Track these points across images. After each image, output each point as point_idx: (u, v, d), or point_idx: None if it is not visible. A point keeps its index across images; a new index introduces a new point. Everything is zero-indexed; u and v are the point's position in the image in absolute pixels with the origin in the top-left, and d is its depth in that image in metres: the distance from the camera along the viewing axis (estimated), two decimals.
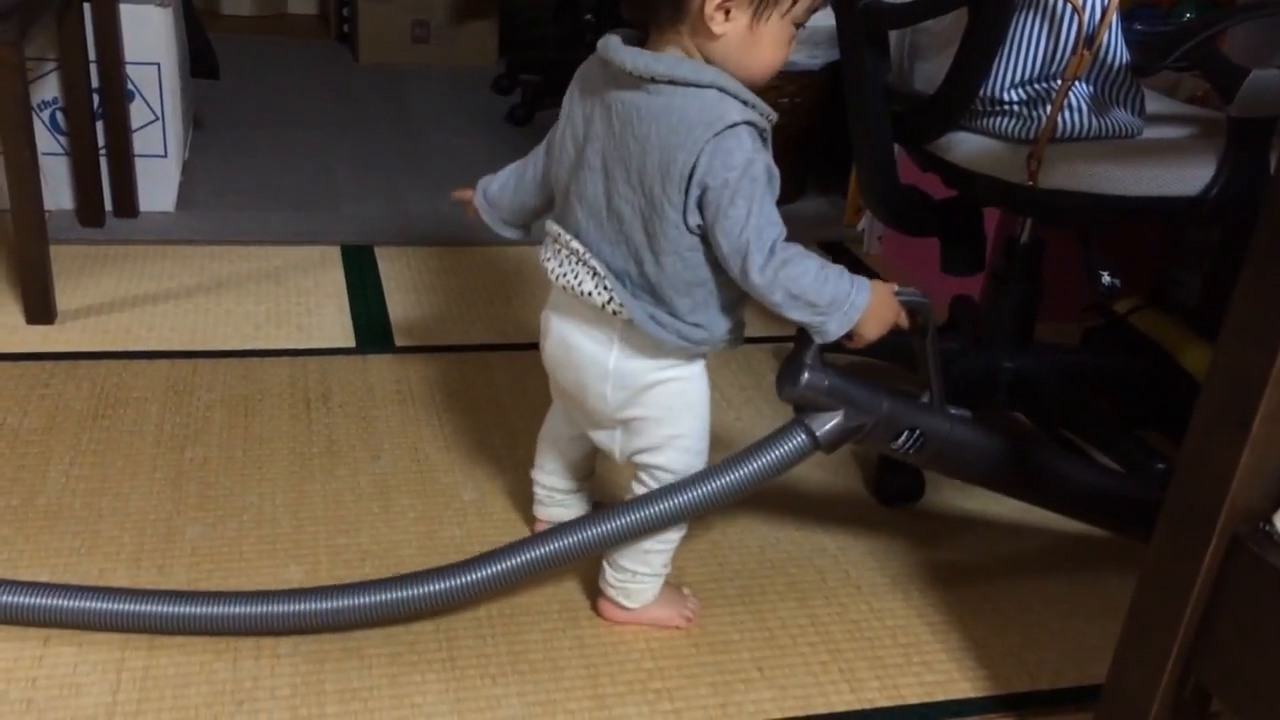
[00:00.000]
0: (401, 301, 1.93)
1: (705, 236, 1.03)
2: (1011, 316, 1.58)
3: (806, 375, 1.08)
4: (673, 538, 1.17)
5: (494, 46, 3.51)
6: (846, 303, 1.03)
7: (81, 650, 1.11)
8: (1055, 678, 1.21)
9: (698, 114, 0.99)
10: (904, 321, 1.11)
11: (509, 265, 2.09)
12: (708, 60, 1.02)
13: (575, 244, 1.09)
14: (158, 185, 2.15)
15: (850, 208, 2.42)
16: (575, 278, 1.09)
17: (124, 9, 2.00)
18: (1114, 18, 1.27)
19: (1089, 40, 1.28)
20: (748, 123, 1.01)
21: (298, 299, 1.90)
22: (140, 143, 2.10)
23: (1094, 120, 1.31)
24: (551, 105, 3.03)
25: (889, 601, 1.30)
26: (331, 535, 1.32)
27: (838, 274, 1.04)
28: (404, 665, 1.13)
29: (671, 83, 1.00)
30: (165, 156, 2.14)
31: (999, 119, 1.35)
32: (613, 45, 1.03)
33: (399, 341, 1.80)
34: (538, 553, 1.13)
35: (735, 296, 1.08)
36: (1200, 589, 0.90)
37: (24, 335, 1.69)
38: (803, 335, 1.08)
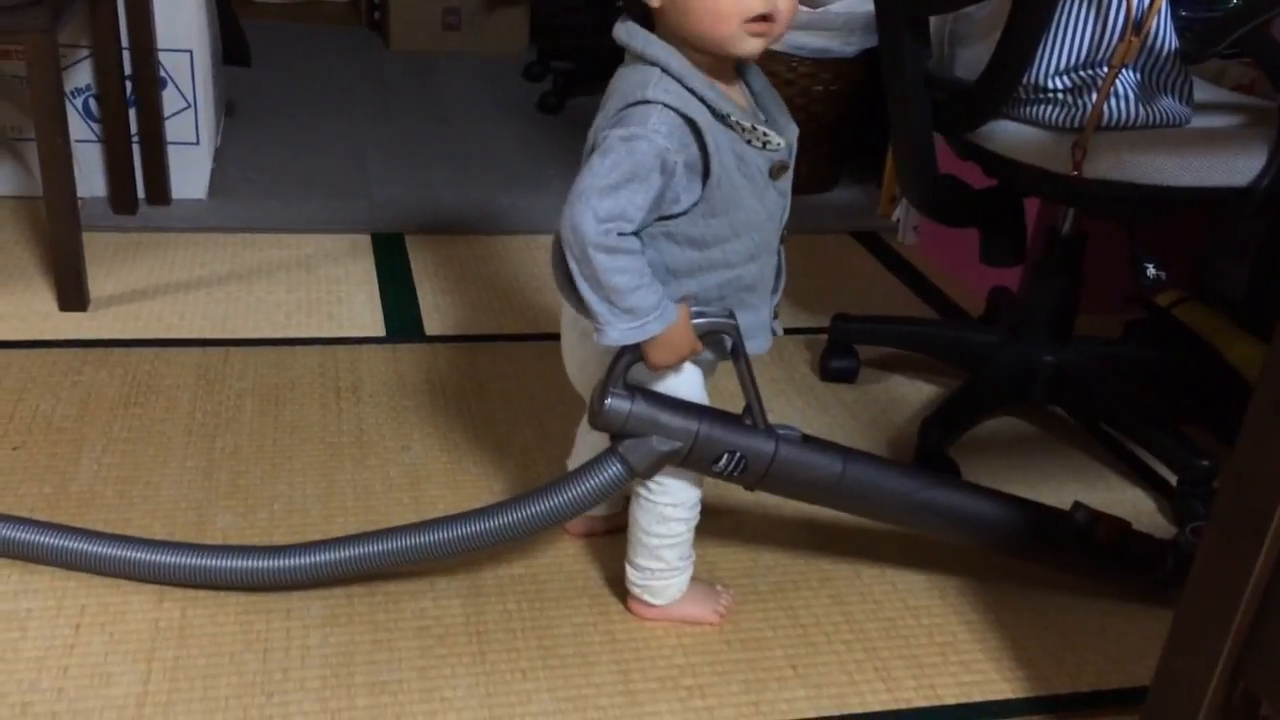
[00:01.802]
0: (432, 290, 1.92)
1: None
2: (1052, 309, 1.55)
3: (609, 402, 1.05)
4: (680, 531, 1.15)
5: (525, 34, 3.49)
6: (641, 319, 1.00)
7: (112, 640, 1.11)
8: (1097, 679, 1.18)
9: (628, 84, 0.99)
10: (698, 347, 1.07)
11: (540, 254, 2.08)
12: (671, 36, 0.99)
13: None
14: (190, 172, 2.15)
15: (885, 198, 2.39)
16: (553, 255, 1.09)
17: None
18: (1163, 3, 1.24)
19: (1137, 26, 1.24)
20: (666, 104, 0.97)
21: (328, 287, 1.89)
22: (172, 130, 2.10)
23: (1141, 109, 1.28)
24: (583, 93, 3.03)
25: (925, 599, 1.28)
26: (361, 525, 1.31)
27: (652, 290, 1.00)
28: (434, 659, 1.13)
29: (631, 53, 1.00)
30: (197, 144, 2.14)
31: (1043, 107, 1.32)
32: (621, 17, 1.03)
33: (429, 331, 1.79)
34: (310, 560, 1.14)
35: (675, 262, 1.05)
36: (1251, 593, 0.87)
37: (57, 322, 1.69)
38: (615, 358, 1.05)
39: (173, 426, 1.46)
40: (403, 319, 1.82)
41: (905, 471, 1.23)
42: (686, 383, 1.11)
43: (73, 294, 1.71)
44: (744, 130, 1.02)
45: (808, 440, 1.13)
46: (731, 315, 1.06)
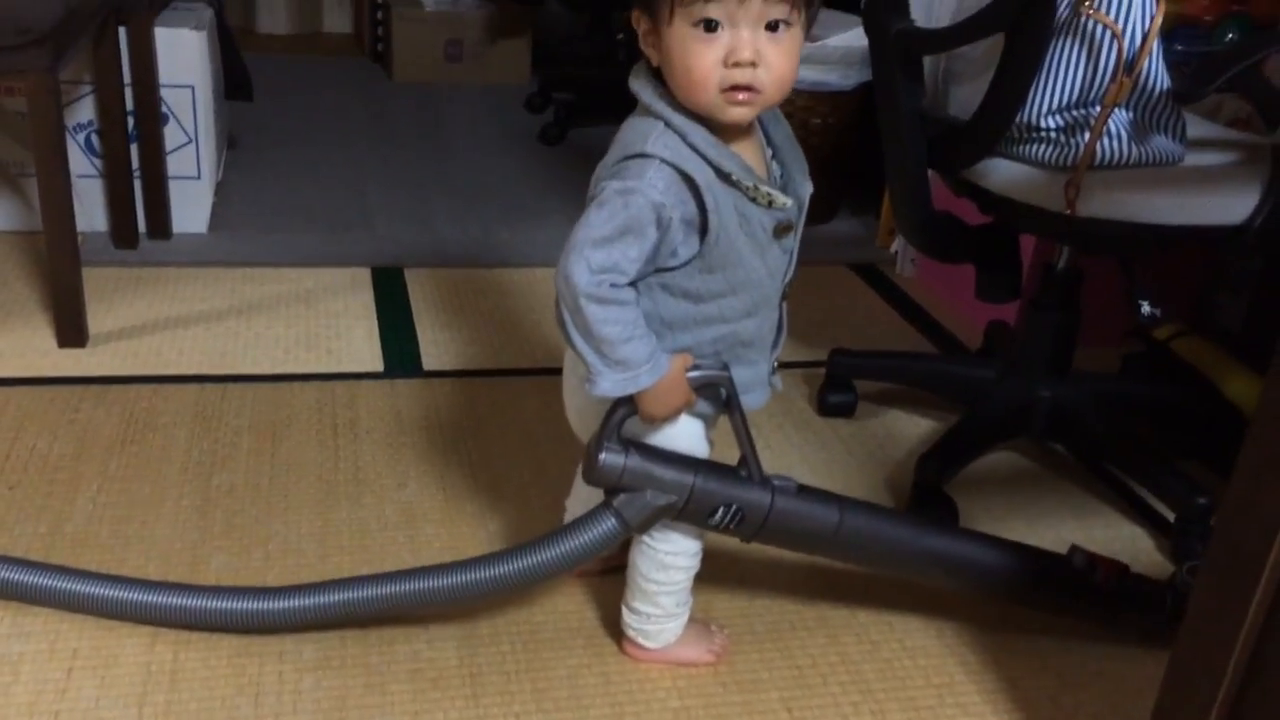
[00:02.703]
0: (431, 324, 1.92)
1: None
2: (1048, 344, 1.55)
3: (603, 457, 1.05)
4: (679, 580, 1.15)
5: (527, 65, 3.52)
6: (632, 370, 1.00)
7: (104, 684, 1.11)
8: None
9: (629, 136, 1.00)
10: (692, 401, 1.06)
11: (540, 288, 2.08)
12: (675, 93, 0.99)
13: None
14: (191, 207, 2.16)
15: (883, 229, 2.39)
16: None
17: (159, 32, 2.02)
18: (1154, 44, 1.24)
19: (1129, 66, 1.25)
20: (664, 160, 0.97)
21: (327, 322, 1.90)
22: (174, 165, 2.11)
23: (1134, 148, 1.28)
24: (584, 124, 3.05)
25: (922, 640, 1.27)
26: (357, 565, 1.31)
27: (644, 342, 1.00)
28: (427, 702, 1.12)
29: (639, 105, 1.01)
30: (199, 178, 2.16)
31: (1036, 146, 1.32)
32: (637, 65, 1.03)
33: (427, 366, 1.79)
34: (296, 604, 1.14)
35: (668, 314, 1.04)
36: (1246, 637, 0.86)
37: (56, 359, 1.70)
38: (610, 411, 1.05)
39: (169, 465, 1.46)
40: (401, 354, 1.82)
41: (903, 520, 1.23)
42: (686, 434, 1.10)
43: (72, 330, 1.72)
44: (747, 189, 1.00)
45: (804, 490, 1.13)
46: (725, 367, 1.06)
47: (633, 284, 1.00)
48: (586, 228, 0.97)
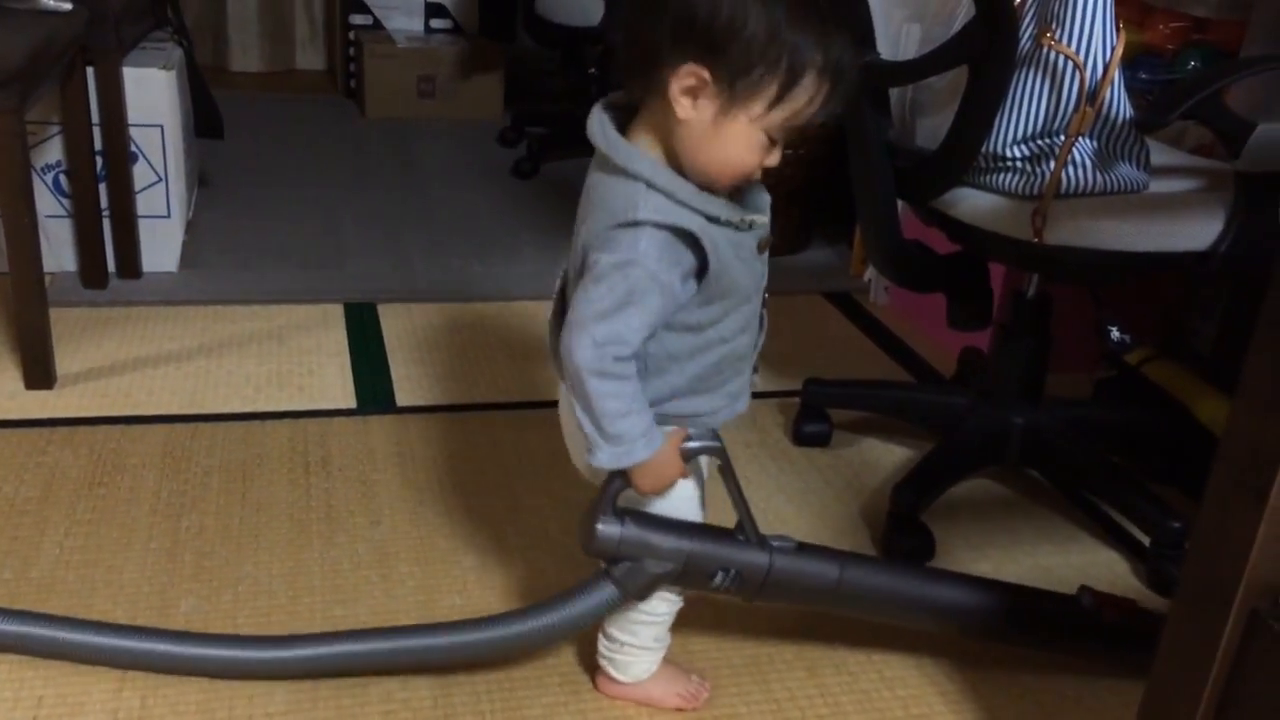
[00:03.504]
0: (404, 360, 1.91)
1: None
2: (1020, 371, 1.56)
3: (600, 528, 1.06)
4: (662, 611, 1.14)
5: (499, 100, 3.53)
6: (626, 444, 1.00)
7: None
8: None
9: (611, 199, 0.98)
10: (685, 474, 1.07)
11: (514, 322, 2.08)
12: (671, 143, 0.98)
13: (556, 302, 1.11)
14: (161, 246, 2.14)
15: (856, 258, 2.40)
16: (549, 335, 1.10)
17: (127, 72, 2.01)
18: (1116, 73, 1.26)
19: (1091, 96, 1.26)
20: (656, 224, 0.96)
21: (299, 359, 1.88)
22: (143, 204, 2.10)
23: (1098, 176, 1.30)
24: (557, 158, 3.06)
25: (901, 670, 1.26)
26: (329, 606, 1.29)
27: (640, 417, 1.01)
28: None
29: (610, 164, 0.98)
30: (169, 217, 2.15)
31: (1002, 175, 1.33)
32: (594, 111, 1.01)
33: (400, 401, 1.78)
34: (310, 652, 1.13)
35: (652, 372, 1.04)
36: (1219, 666, 0.86)
37: (23, 401, 1.68)
38: (606, 483, 1.07)
39: (137, 507, 1.44)
40: (374, 390, 1.81)
41: (904, 570, 1.23)
42: (682, 498, 1.10)
43: (39, 372, 1.70)
44: (737, 227, 1.00)
45: (802, 548, 1.13)
46: (717, 438, 1.07)
47: (633, 357, 1.00)
48: (587, 303, 0.97)
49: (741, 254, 1.02)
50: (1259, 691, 0.84)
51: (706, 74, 0.93)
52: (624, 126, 1.00)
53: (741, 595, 1.13)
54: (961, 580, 1.25)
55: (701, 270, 0.99)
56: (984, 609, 1.21)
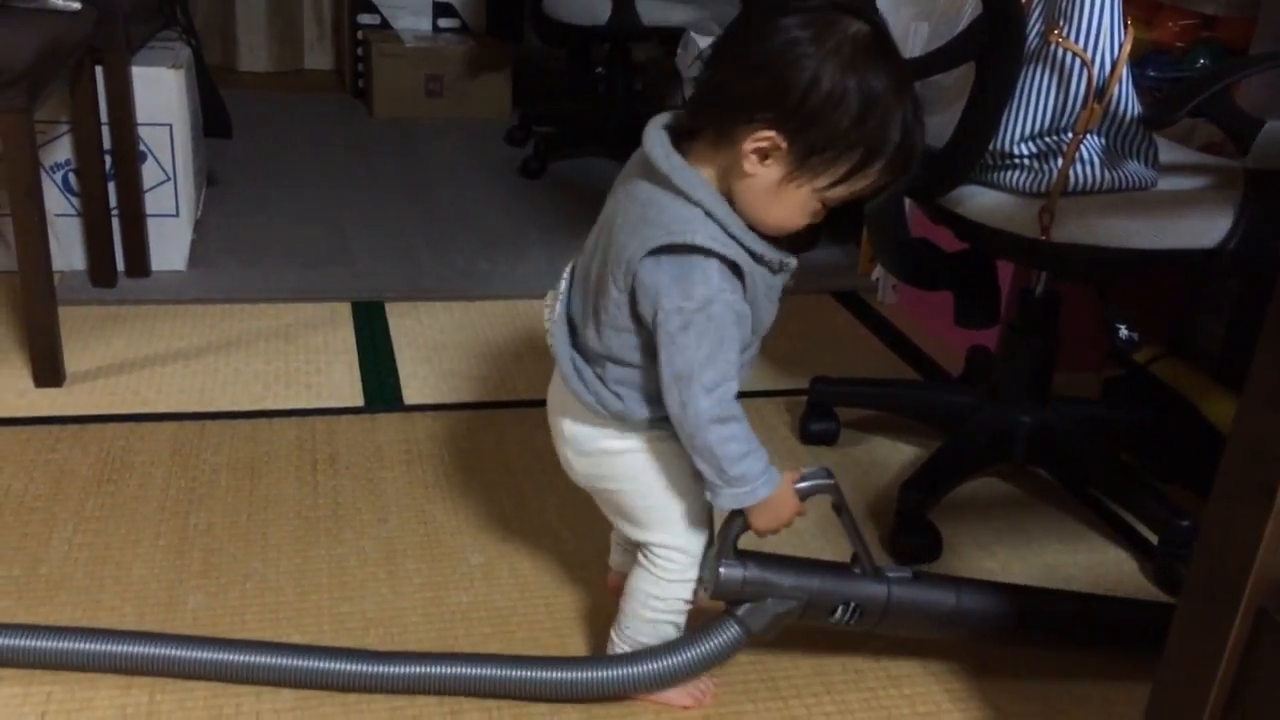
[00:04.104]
0: (411, 358, 1.91)
1: (640, 324, 1.02)
2: (1028, 370, 1.55)
3: (723, 572, 1.09)
4: (680, 610, 1.14)
5: (507, 99, 3.53)
6: (749, 485, 1.02)
7: None
8: None
9: (668, 218, 0.98)
10: (802, 511, 1.09)
11: (520, 320, 2.08)
12: (731, 190, 1.00)
13: (560, 300, 1.12)
14: (170, 245, 2.15)
15: (864, 257, 2.40)
16: (550, 335, 1.11)
17: (136, 71, 2.02)
18: (1124, 70, 1.26)
19: (1099, 93, 1.26)
20: (718, 255, 0.98)
21: (307, 357, 1.89)
22: (152, 203, 2.11)
23: (1106, 173, 1.29)
24: (565, 157, 3.06)
25: (908, 669, 1.26)
26: (335, 603, 1.29)
27: (757, 456, 1.03)
28: None
29: (669, 184, 0.99)
30: (177, 216, 2.15)
31: (1010, 173, 1.33)
32: (651, 127, 1.02)
33: (408, 399, 1.78)
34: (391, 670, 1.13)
35: (654, 391, 1.05)
36: (1226, 664, 0.86)
37: (32, 399, 1.68)
38: (724, 526, 1.08)
39: (145, 504, 1.45)
40: (382, 388, 1.81)
41: (1016, 590, 1.23)
42: (647, 462, 1.11)
43: (48, 370, 1.70)
44: (772, 263, 1.03)
45: (918, 577, 1.15)
46: (830, 475, 1.08)
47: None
48: (682, 355, 0.98)
49: (770, 294, 1.06)
50: (1267, 689, 0.84)
51: (784, 142, 0.95)
52: (677, 147, 1.01)
53: (861, 627, 1.15)
54: (1072, 595, 1.28)
55: None
56: (1104, 619, 1.24)
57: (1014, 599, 1.19)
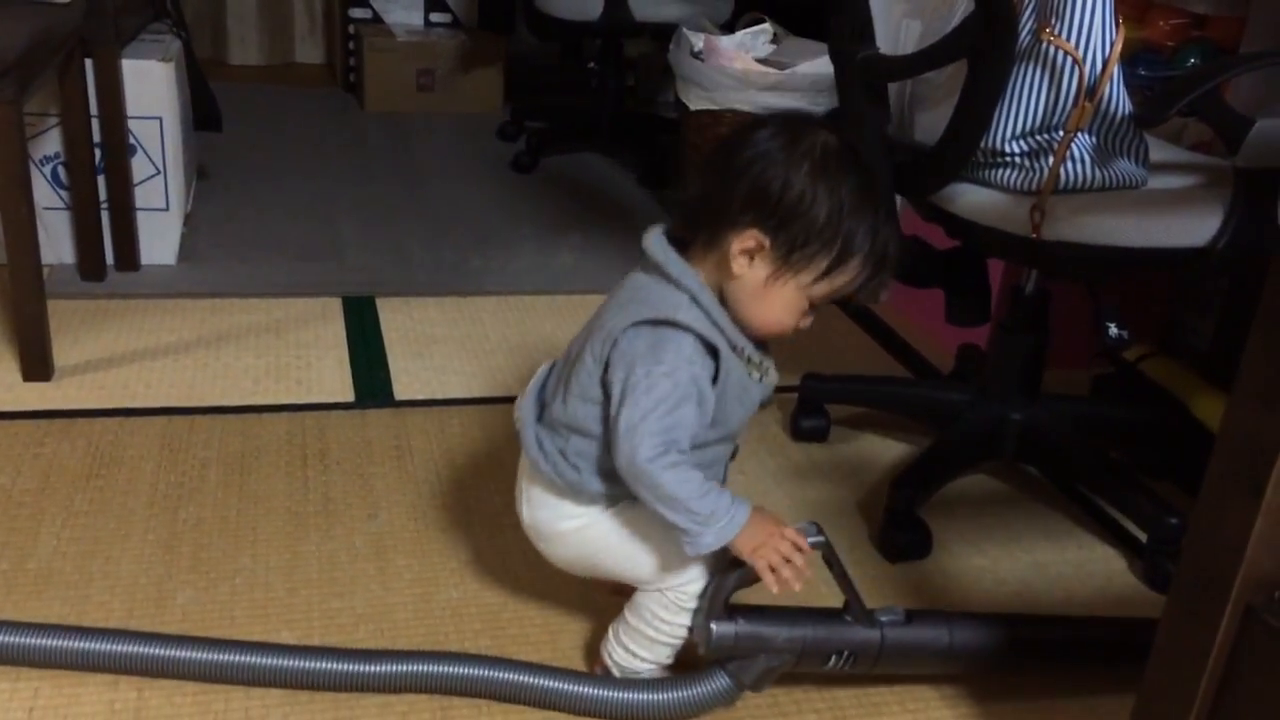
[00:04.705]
0: (403, 353, 1.91)
1: (607, 396, 1.05)
2: (1019, 367, 1.55)
3: (714, 629, 1.08)
4: (681, 634, 1.14)
5: (499, 94, 3.53)
6: (723, 517, 1.03)
7: None
8: None
9: (656, 298, 1.05)
10: (796, 540, 1.05)
11: (512, 315, 2.08)
12: (723, 292, 1.06)
13: (535, 382, 1.17)
14: (159, 238, 2.14)
15: None
16: (518, 420, 1.16)
17: (126, 64, 2.01)
18: (1115, 69, 1.26)
19: (1090, 92, 1.26)
20: (696, 334, 1.03)
21: (298, 352, 1.88)
22: (142, 196, 2.10)
23: (1097, 171, 1.30)
24: (557, 152, 3.05)
25: None
26: (325, 599, 1.29)
27: (718, 492, 1.04)
28: None
29: (661, 271, 1.06)
30: (167, 210, 2.14)
31: (1001, 170, 1.33)
32: (650, 231, 1.09)
33: (399, 395, 1.78)
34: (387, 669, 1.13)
35: (610, 467, 1.07)
36: (1214, 663, 0.86)
37: (20, 393, 1.68)
38: (715, 586, 1.08)
39: (134, 499, 1.44)
40: (372, 383, 1.81)
41: (1007, 621, 1.22)
42: (601, 532, 1.12)
43: (37, 364, 1.70)
44: (752, 364, 1.09)
45: (911, 618, 1.15)
46: (820, 531, 1.07)
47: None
48: (637, 410, 1.01)
49: (743, 398, 1.09)
50: (1254, 688, 0.84)
51: (767, 241, 1.03)
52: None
53: (856, 671, 1.15)
54: (1067, 621, 1.29)
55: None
56: (1087, 644, 1.24)
57: (1006, 631, 1.19)
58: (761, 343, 1.11)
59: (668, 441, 1.01)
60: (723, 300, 1.06)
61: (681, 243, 1.08)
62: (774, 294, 1.05)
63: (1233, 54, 1.71)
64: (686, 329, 1.02)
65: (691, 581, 1.10)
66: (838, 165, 1.03)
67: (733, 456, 1.20)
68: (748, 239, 1.03)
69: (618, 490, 1.09)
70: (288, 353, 1.88)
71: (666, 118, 3.14)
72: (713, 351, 1.04)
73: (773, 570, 1.03)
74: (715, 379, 1.05)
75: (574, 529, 1.13)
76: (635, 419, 1.01)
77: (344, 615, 1.27)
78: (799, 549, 1.04)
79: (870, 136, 1.41)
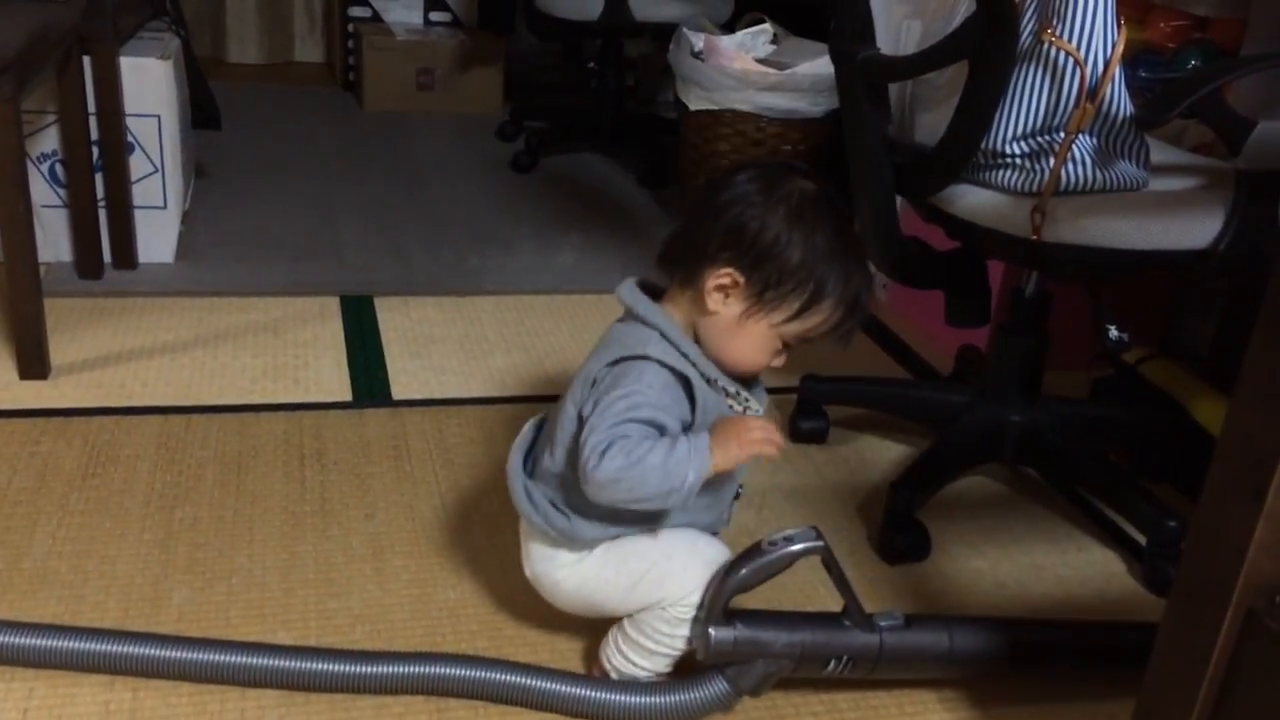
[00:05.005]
0: (400, 353, 1.90)
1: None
2: (1018, 369, 1.55)
3: (713, 635, 1.08)
4: (680, 646, 1.13)
5: (499, 94, 3.52)
6: (695, 457, 1.03)
7: None
8: None
9: (629, 341, 1.08)
10: (767, 432, 1.07)
11: (511, 315, 2.07)
12: (696, 328, 1.09)
13: (522, 438, 1.20)
14: (157, 237, 2.14)
15: None
16: (511, 460, 1.18)
17: (124, 61, 2.00)
18: (1117, 71, 1.25)
19: (1091, 93, 1.26)
20: (666, 366, 1.05)
21: (295, 351, 1.88)
22: (139, 194, 2.10)
23: (1098, 173, 1.29)
24: (556, 152, 3.05)
25: None
26: (322, 599, 1.29)
27: (667, 447, 1.03)
28: None
29: (632, 316, 1.10)
30: (165, 208, 2.14)
31: (1002, 172, 1.33)
32: (624, 281, 1.13)
33: (396, 395, 1.77)
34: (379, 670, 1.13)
35: (600, 512, 1.09)
36: (1214, 667, 0.86)
37: (16, 391, 1.67)
38: (714, 591, 1.08)
39: (131, 498, 1.44)
40: (370, 383, 1.80)
41: (1007, 624, 1.22)
42: (584, 574, 1.14)
43: (33, 362, 1.69)
44: (729, 395, 1.10)
45: (910, 622, 1.14)
46: (819, 536, 1.08)
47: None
48: (592, 434, 1.03)
49: None
50: (1255, 692, 0.84)
51: (741, 279, 1.06)
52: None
53: (855, 676, 1.14)
54: (1068, 624, 1.29)
55: (688, 427, 1.07)
56: (1087, 648, 1.23)
57: (1006, 635, 1.19)
58: (742, 378, 1.13)
59: (611, 438, 1.02)
60: (697, 338, 1.10)
61: (654, 291, 1.13)
62: (747, 331, 1.08)
63: (1234, 56, 1.70)
64: (651, 359, 1.05)
65: (690, 594, 1.10)
66: (814, 212, 1.06)
67: (736, 497, 1.21)
68: (723, 275, 1.06)
69: (612, 533, 1.12)
70: (285, 352, 1.87)
71: (666, 118, 3.14)
72: (684, 382, 1.07)
73: (762, 450, 1.06)
74: (693, 418, 1.07)
75: (567, 575, 1.14)
76: (591, 442, 1.03)
77: (341, 616, 1.26)
78: (761, 426, 1.07)
79: (872, 137, 1.40)
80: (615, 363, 1.07)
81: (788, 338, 1.09)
